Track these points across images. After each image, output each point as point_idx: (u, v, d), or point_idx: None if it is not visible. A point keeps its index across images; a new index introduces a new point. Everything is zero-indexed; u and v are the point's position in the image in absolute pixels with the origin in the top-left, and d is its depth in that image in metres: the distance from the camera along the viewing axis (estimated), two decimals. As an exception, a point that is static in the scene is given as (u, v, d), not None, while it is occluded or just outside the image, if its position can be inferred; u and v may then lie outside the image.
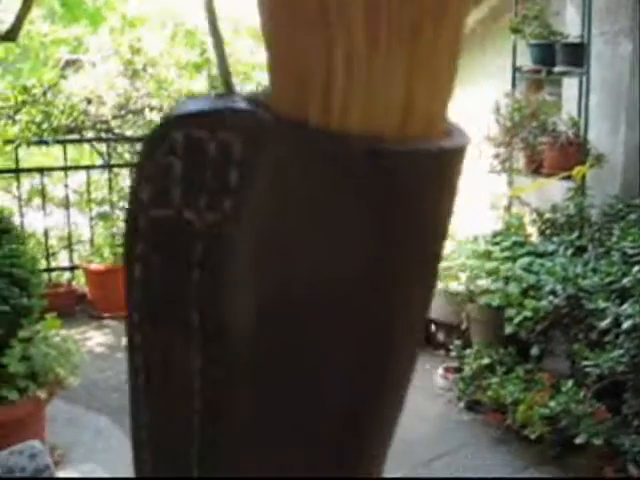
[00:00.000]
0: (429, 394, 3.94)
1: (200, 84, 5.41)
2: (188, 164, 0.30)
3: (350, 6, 0.28)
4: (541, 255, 3.81)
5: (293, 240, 0.31)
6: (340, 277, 0.31)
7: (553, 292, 3.45)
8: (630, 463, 3.01)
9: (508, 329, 3.60)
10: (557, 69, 3.98)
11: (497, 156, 4.27)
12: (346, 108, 0.29)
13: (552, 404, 3.24)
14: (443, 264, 4.12)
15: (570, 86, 4.23)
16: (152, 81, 5.35)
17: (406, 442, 3.47)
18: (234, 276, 0.31)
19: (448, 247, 4.23)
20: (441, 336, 4.50)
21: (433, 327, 4.54)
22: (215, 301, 0.32)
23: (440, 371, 4.08)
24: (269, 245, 0.31)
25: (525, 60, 4.20)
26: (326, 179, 0.30)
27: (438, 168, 0.31)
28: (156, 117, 5.39)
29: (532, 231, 4.17)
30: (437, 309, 4.33)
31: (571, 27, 4.12)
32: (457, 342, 3.98)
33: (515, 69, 4.26)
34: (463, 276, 3.97)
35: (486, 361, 3.70)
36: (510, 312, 3.60)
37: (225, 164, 0.30)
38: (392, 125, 0.29)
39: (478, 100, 4.72)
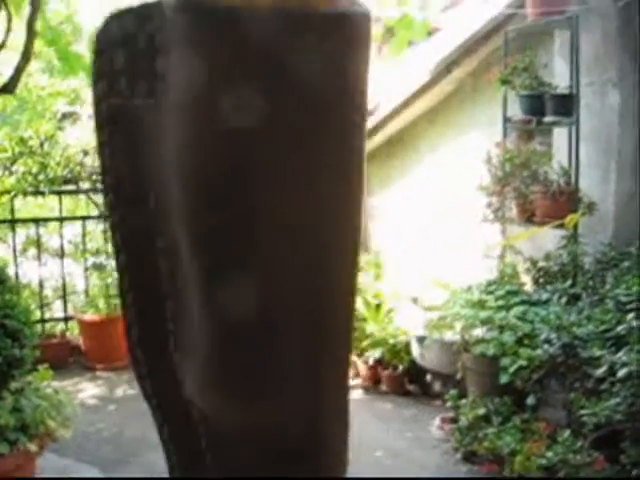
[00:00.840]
0: (426, 445, 3.90)
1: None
2: (127, 55, 0.36)
3: None
4: (535, 304, 3.81)
5: (215, 96, 0.34)
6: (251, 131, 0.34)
7: (548, 341, 3.44)
8: (629, 514, 2.96)
9: (503, 378, 3.57)
10: (547, 119, 4.03)
11: (490, 205, 4.30)
12: None
13: (549, 454, 3.20)
14: (437, 313, 4.11)
15: (560, 136, 4.28)
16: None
17: (402, 494, 3.42)
18: (170, 151, 0.35)
19: (442, 296, 4.23)
20: (437, 386, 4.46)
21: (429, 377, 4.51)
22: (162, 179, 0.36)
23: (437, 422, 4.03)
24: (196, 115, 0.34)
25: (515, 111, 4.27)
26: (227, 44, 0.33)
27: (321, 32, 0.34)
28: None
29: (526, 280, 4.17)
30: (433, 359, 4.30)
31: (560, 78, 4.20)
32: (453, 392, 3.95)
33: (506, 119, 4.32)
34: (458, 325, 3.96)
35: (482, 411, 3.66)
36: (505, 361, 3.58)
37: (152, 52, 0.35)
38: None
39: (470, 150, 4.78)
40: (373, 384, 4.71)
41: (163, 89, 0.35)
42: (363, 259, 4.89)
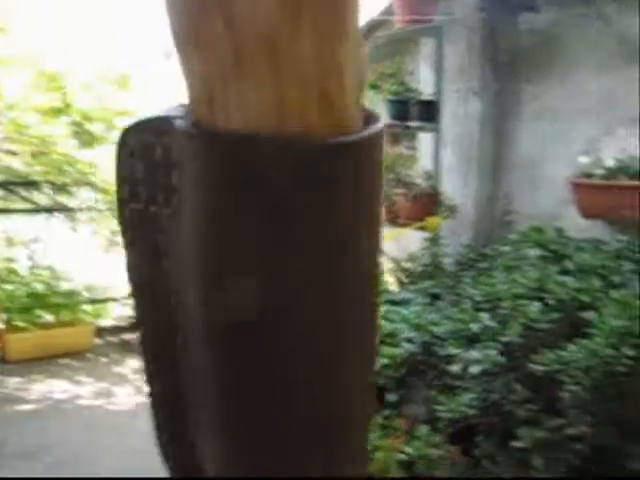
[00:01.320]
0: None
1: (60, 129, 5.26)
2: (146, 165, 0.39)
3: (216, 35, 0.34)
4: (398, 303, 3.91)
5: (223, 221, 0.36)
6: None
7: (409, 339, 3.53)
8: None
9: (366, 376, 3.63)
10: (412, 124, 4.15)
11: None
12: (227, 113, 0.35)
13: (409, 449, 3.29)
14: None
15: (425, 140, 4.42)
16: (11, 125, 5.15)
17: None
18: (185, 259, 0.38)
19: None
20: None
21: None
22: (180, 286, 0.39)
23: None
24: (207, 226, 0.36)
25: (384, 115, 4.36)
26: (229, 173, 0.34)
27: (309, 164, 0.36)
28: (14, 162, 5.20)
29: (391, 280, 4.28)
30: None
31: (425, 85, 4.33)
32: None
33: (374, 123, 4.40)
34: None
35: (346, 409, 3.71)
36: (368, 359, 3.65)
37: (168, 165, 0.38)
38: (268, 123, 0.35)
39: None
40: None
41: (178, 201, 0.37)
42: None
